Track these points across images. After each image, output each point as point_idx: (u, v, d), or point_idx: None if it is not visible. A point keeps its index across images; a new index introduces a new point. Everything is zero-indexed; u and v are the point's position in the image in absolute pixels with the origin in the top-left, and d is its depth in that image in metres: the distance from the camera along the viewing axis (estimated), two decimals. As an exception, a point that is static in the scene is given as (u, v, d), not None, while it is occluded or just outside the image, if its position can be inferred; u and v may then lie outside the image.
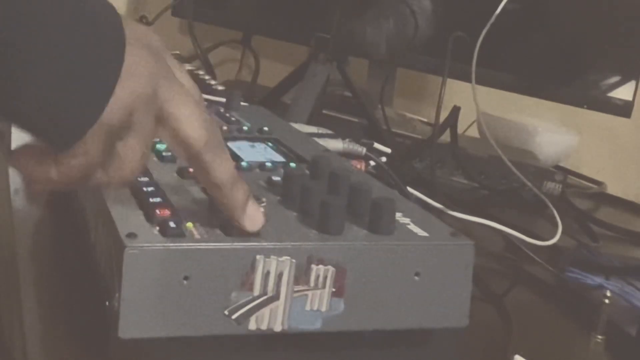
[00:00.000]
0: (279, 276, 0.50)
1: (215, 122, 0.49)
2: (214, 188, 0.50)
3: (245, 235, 0.51)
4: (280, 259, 0.50)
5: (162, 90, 0.46)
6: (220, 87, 1.02)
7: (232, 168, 0.50)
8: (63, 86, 0.42)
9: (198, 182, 0.55)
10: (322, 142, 0.83)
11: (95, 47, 0.43)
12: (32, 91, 0.42)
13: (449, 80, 1.08)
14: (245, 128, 0.79)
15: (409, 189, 0.88)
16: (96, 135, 0.44)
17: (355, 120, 1.19)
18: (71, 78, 0.42)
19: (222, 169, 0.49)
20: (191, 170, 0.61)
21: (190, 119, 0.47)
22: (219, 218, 0.53)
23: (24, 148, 0.47)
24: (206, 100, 0.96)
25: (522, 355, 0.58)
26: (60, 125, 0.43)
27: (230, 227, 0.51)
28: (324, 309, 0.52)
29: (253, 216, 0.51)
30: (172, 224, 0.50)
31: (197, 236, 0.50)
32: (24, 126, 0.44)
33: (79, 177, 0.45)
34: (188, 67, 1.16)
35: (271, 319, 0.51)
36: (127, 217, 0.52)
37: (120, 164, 0.46)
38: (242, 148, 0.73)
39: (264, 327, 0.50)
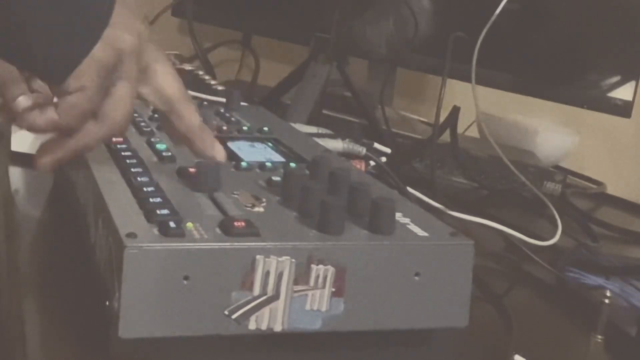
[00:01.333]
0: (279, 276, 0.50)
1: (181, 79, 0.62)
2: (188, 132, 0.60)
3: (244, 234, 0.51)
4: (280, 259, 0.50)
5: (145, 47, 0.55)
6: (220, 87, 1.02)
7: (198, 117, 0.61)
8: (60, 23, 0.50)
9: (172, 135, 0.63)
10: (322, 142, 0.83)
11: None
12: (32, 25, 0.50)
13: (449, 80, 1.07)
14: (245, 128, 0.79)
15: (409, 189, 0.88)
16: (89, 69, 0.52)
17: (355, 120, 1.19)
18: (67, 16, 0.50)
19: (193, 117, 0.60)
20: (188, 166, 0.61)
21: (169, 76, 0.58)
22: (219, 218, 0.53)
23: (25, 109, 0.55)
24: (206, 100, 0.96)
25: (522, 355, 0.58)
26: (57, 56, 0.51)
27: (230, 227, 0.51)
28: (323, 309, 0.52)
29: (220, 150, 0.62)
30: (172, 224, 0.50)
31: (197, 236, 0.50)
32: (24, 61, 0.53)
33: (77, 115, 0.53)
34: (188, 67, 1.16)
35: (271, 318, 0.51)
36: (127, 217, 0.52)
37: (113, 106, 0.55)
38: (242, 148, 0.73)
39: (264, 327, 0.50)
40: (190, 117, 0.60)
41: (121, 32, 0.52)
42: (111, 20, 0.52)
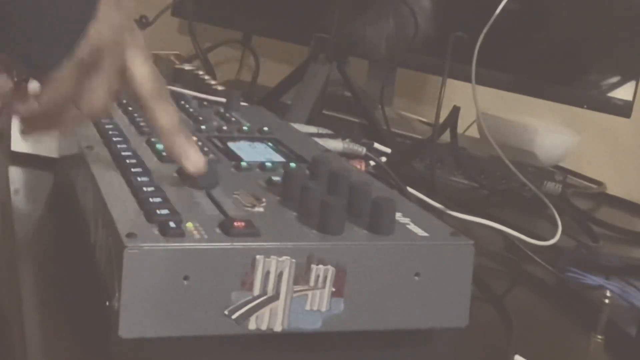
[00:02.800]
0: (279, 276, 0.50)
1: (162, 76, 0.59)
2: (161, 134, 0.59)
3: (244, 234, 0.51)
4: (280, 258, 0.50)
5: (127, 43, 0.55)
6: (220, 87, 1.02)
7: (175, 117, 0.58)
8: (44, 18, 0.51)
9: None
10: (322, 142, 0.83)
11: None
12: (20, 22, 0.51)
13: (449, 80, 1.07)
14: (245, 128, 0.79)
15: (409, 189, 0.88)
16: (70, 66, 0.53)
17: (355, 120, 1.19)
18: (52, 14, 0.51)
19: (166, 116, 0.58)
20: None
21: (141, 71, 0.57)
22: (219, 218, 0.53)
23: (11, 94, 0.57)
24: (206, 100, 0.96)
25: (522, 355, 0.58)
26: (41, 53, 0.52)
27: (230, 227, 0.51)
28: (324, 309, 0.52)
29: (196, 160, 0.59)
30: (172, 224, 0.50)
31: (197, 236, 0.50)
32: (12, 52, 0.54)
33: (56, 104, 0.55)
34: (188, 67, 1.16)
35: (271, 319, 0.51)
36: (127, 217, 0.52)
37: (89, 98, 0.55)
38: (242, 148, 0.73)
39: (264, 327, 0.50)
40: (162, 116, 0.58)
41: (103, 28, 0.53)
42: (96, 15, 0.52)
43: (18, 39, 0.52)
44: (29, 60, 0.53)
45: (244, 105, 0.92)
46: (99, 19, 0.52)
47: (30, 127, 0.60)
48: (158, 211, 0.52)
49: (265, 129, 0.80)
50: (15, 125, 0.86)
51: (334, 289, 0.51)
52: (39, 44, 0.52)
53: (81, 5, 0.52)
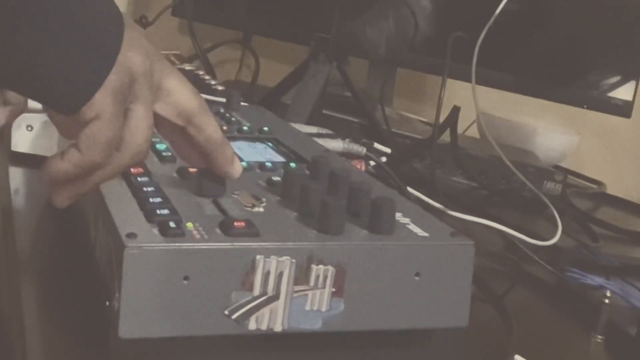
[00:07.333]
0: (279, 276, 0.50)
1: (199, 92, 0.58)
2: (208, 145, 0.57)
3: (244, 234, 0.51)
4: (280, 259, 0.50)
5: (156, 66, 0.53)
6: (220, 87, 1.02)
7: (218, 126, 0.57)
8: (73, 51, 0.48)
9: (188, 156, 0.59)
10: (322, 142, 0.83)
11: (99, 22, 0.49)
12: (45, 56, 0.47)
13: (449, 80, 1.07)
14: (245, 128, 0.79)
15: (409, 189, 0.88)
16: (104, 95, 0.49)
17: (355, 120, 1.19)
18: (80, 44, 0.48)
19: (214, 128, 0.57)
20: (191, 170, 0.61)
21: (184, 90, 0.55)
22: (219, 218, 0.53)
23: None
24: (206, 100, 0.96)
25: (522, 355, 0.58)
26: (71, 86, 0.48)
27: (230, 227, 0.51)
28: (324, 309, 0.52)
29: (238, 167, 0.59)
30: (172, 224, 0.50)
31: (197, 236, 0.50)
32: (35, 92, 0.49)
33: (100, 145, 0.49)
34: (188, 67, 1.16)
35: (271, 319, 0.51)
36: (127, 217, 0.52)
37: (132, 130, 0.51)
38: (242, 148, 0.73)
39: (264, 327, 0.50)
40: (211, 128, 0.56)
41: (132, 54, 0.50)
42: (123, 43, 0.49)
43: (43, 79, 0.47)
44: (60, 100, 0.48)
45: (244, 105, 0.92)
46: (127, 47, 0.49)
47: (67, 190, 0.51)
48: (158, 211, 0.52)
49: (265, 129, 0.80)
50: (15, 125, 0.86)
51: (334, 289, 0.51)
52: (70, 79, 0.48)
53: (108, 35, 0.49)
